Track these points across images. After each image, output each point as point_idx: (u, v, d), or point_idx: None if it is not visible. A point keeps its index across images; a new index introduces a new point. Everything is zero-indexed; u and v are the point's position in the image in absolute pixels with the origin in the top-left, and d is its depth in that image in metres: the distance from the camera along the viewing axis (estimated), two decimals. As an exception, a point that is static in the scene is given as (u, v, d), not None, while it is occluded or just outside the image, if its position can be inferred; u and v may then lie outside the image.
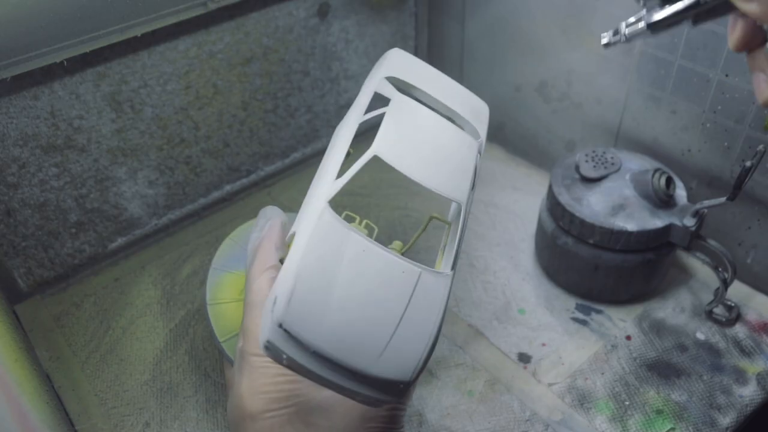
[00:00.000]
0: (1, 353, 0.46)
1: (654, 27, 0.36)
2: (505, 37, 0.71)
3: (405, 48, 0.81)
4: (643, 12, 0.36)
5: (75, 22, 0.52)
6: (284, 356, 0.32)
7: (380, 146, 0.38)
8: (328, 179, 0.37)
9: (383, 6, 0.75)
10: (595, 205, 0.55)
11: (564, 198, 0.56)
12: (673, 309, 0.58)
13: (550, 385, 0.52)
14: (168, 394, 0.54)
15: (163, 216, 0.70)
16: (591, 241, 0.55)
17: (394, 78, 0.43)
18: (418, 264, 0.35)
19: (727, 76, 0.53)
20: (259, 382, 0.37)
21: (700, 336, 0.55)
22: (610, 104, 0.64)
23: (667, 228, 0.53)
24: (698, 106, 0.56)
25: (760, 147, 0.47)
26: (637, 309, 0.58)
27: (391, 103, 0.42)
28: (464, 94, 0.46)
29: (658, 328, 0.56)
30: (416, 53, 0.83)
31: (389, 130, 0.40)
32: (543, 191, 0.63)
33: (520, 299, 0.60)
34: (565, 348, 0.55)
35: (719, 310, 0.57)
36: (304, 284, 0.33)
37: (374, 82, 0.42)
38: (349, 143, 0.40)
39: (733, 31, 0.34)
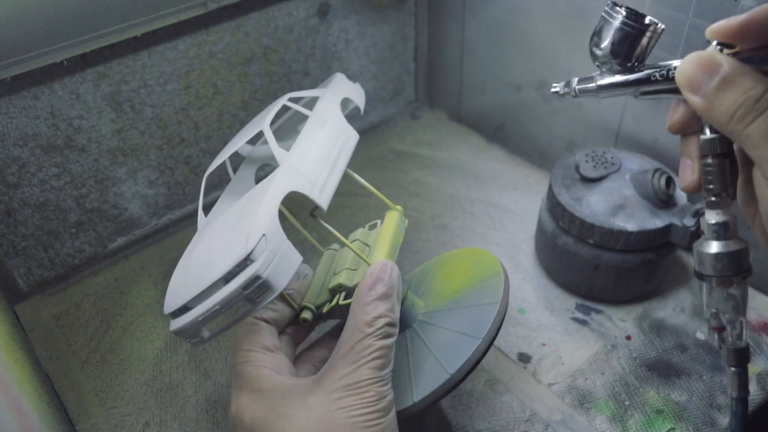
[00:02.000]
0: (1, 353, 0.47)
1: (601, 90, 0.37)
2: (505, 37, 0.71)
3: (405, 48, 0.81)
4: (597, 73, 0.37)
5: (75, 22, 0.52)
6: (184, 330, 0.38)
7: (208, 169, 0.49)
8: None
9: (383, 6, 0.75)
10: (595, 205, 0.55)
11: (564, 198, 0.56)
12: (673, 309, 0.58)
13: (550, 385, 0.52)
14: (168, 394, 0.54)
15: (163, 216, 0.70)
16: (591, 241, 0.55)
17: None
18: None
19: (727, 76, 0.53)
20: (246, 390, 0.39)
21: (700, 336, 0.55)
22: (610, 104, 0.64)
23: (667, 228, 0.53)
24: (698, 106, 0.56)
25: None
26: (637, 309, 0.58)
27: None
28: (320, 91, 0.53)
29: (658, 328, 0.56)
30: (416, 53, 0.83)
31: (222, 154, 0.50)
32: (543, 191, 0.63)
33: (520, 299, 0.60)
34: (565, 348, 0.55)
35: (719, 310, 0.57)
36: (175, 274, 0.41)
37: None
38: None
39: (674, 113, 0.35)
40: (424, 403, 0.41)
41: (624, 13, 0.34)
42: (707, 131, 0.32)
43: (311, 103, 0.50)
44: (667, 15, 0.55)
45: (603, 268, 0.56)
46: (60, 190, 0.60)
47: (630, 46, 0.35)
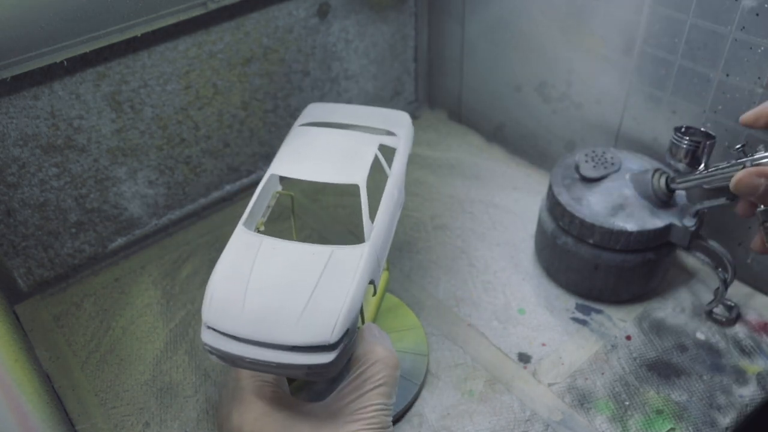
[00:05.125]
0: (1, 353, 0.46)
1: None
2: (505, 37, 0.71)
3: (405, 48, 0.81)
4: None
5: (75, 22, 0.52)
6: (218, 352, 0.38)
7: (275, 166, 0.46)
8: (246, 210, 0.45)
9: (383, 6, 0.75)
10: (595, 205, 0.55)
11: (564, 198, 0.56)
12: (673, 309, 0.58)
13: (550, 385, 0.52)
14: (168, 394, 0.54)
15: (163, 216, 0.70)
16: (591, 241, 0.55)
17: (309, 123, 0.52)
18: (334, 245, 0.41)
19: (727, 75, 0.53)
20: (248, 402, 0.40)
21: (700, 336, 0.55)
22: (610, 104, 0.64)
23: (667, 228, 0.53)
24: (698, 106, 0.56)
25: (760, 147, 0.47)
26: (637, 309, 0.58)
27: (290, 133, 0.50)
28: (379, 112, 0.54)
29: (658, 328, 0.56)
30: (416, 53, 0.83)
31: (284, 152, 0.48)
32: (543, 191, 0.63)
33: (520, 299, 0.60)
34: (565, 348, 0.55)
35: (719, 310, 0.57)
36: (220, 287, 0.39)
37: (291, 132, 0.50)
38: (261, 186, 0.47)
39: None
40: None
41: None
42: None
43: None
44: (667, 15, 0.55)
45: (603, 268, 0.56)
46: (60, 190, 0.60)
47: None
